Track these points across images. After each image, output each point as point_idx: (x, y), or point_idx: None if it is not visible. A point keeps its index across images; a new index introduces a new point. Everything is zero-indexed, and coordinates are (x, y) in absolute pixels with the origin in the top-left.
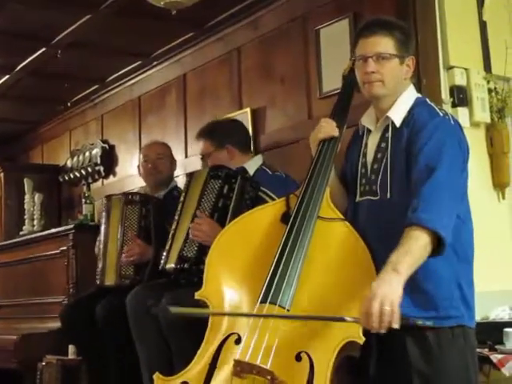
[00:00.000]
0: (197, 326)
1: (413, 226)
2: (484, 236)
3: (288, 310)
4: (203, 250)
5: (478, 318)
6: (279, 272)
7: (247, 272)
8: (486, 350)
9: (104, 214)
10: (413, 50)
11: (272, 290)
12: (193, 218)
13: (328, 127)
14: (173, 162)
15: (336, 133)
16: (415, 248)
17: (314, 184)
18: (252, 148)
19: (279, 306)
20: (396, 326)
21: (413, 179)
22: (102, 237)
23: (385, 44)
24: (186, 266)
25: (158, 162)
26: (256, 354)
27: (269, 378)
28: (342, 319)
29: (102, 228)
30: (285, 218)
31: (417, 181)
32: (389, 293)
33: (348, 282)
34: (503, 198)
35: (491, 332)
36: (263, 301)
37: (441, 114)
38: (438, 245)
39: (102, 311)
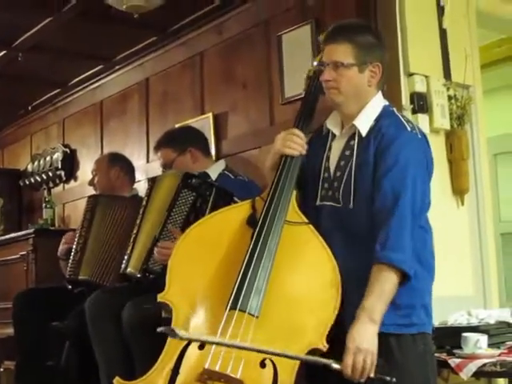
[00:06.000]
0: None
1: (383, 266)
2: (443, 242)
3: (257, 317)
4: None
5: (436, 322)
6: (248, 278)
7: (213, 274)
8: (445, 354)
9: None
10: (381, 56)
11: (241, 297)
12: (162, 230)
13: (298, 145)
14: (109, 172)
15: (304, 151)
16: (386, 290)
17: (282, 187)
18: (213, 152)
19: (249, 313)
20: (372, 375)
21: (378, 203)
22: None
23: (342, 52)
24: (150, 276)
25: (94, 178)
26: (226, 363)
27: None
28: (328, 365)
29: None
30: (251, 220)
31: (382, 207)
32: (370, 347)
33: (313, 288)
34: (462, 204)
35: (449, 337)
36: (233, 307)
37: (408, 129)
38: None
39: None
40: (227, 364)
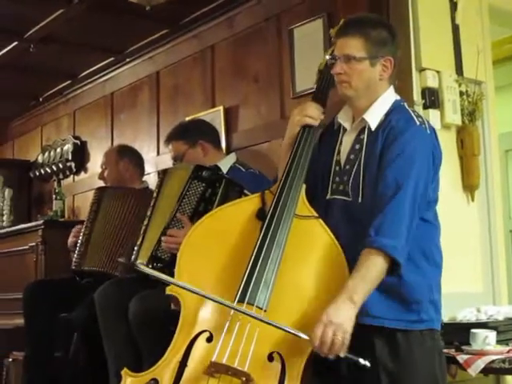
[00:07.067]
0: (166, 324)
1: (372, 250)
2: (453, 238)
3: (265, 311)
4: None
5: (445, 319)
6: (256, 271)
7: (222, 267)
8: (453, 350)
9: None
10: (393, 50)
11: (249, 290)
12: (172, 219)
13: (315, 112)
14: (118, 164)
15: (321, 118)
16: (372, 274)
17: (291, 181)
18: (224, 146)
19: (257, 306)
20: (342, 355)
21: (379, 190)
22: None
23: (354, 45)
24: (158, 265)
25: (104, 172)
26: (234, 356)
27: (244, 379)
28: (296, 335)
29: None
30: (260, 214)
31: (383, 195)
32: (343, 323)
33: (322, 283)
34: (472, 200)
35: (458, 333)
36: (241, 300)
37: (417, 123)
38: (392, 266)
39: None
40: (234, 357)
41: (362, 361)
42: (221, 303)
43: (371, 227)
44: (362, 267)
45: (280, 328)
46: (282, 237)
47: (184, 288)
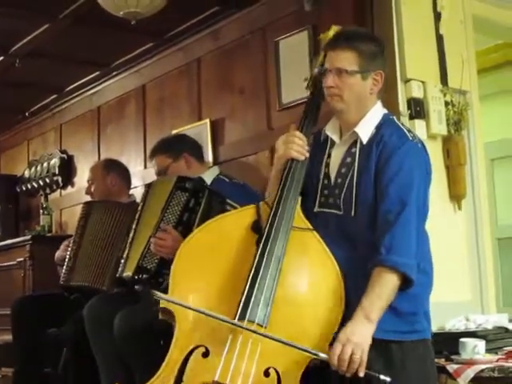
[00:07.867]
0: (150, 339)
1: (385, 268)
2: (441, 247)
3: (265, 328)
4: (164, 263)
5: (434, 328)
6: (256, 289)
7: (217, 281)
8: (443, 360)
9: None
10: (383, 65)
11: (250, 307)
12: (156, 230)
13: (301, 147)
14: (105, 179)
15: (307, 153)
16: (386, 292)
17: (288, 194)
18: (211, 158)
19: (257, 323)
20: (361, 374)
21: (383, 207)
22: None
23: (346, 59)
24: (144, 276)
25: (91, 187)
26: (236, 376)
27: None
28: (316, 354)
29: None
30: (256, 226)
31: (388, 212)
32: (361, 342)
33: (318, 296)
34: (459, 209)
35: (447, 342)
36: (241, 317)
37: (409, 138)
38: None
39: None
40: (237, 377)
41: (382, 377)
42: (226, 321)
43: (381, 246)
44: (376, 285)
45: (297, 347)
46: (279, 252)
47: (196, 311)
